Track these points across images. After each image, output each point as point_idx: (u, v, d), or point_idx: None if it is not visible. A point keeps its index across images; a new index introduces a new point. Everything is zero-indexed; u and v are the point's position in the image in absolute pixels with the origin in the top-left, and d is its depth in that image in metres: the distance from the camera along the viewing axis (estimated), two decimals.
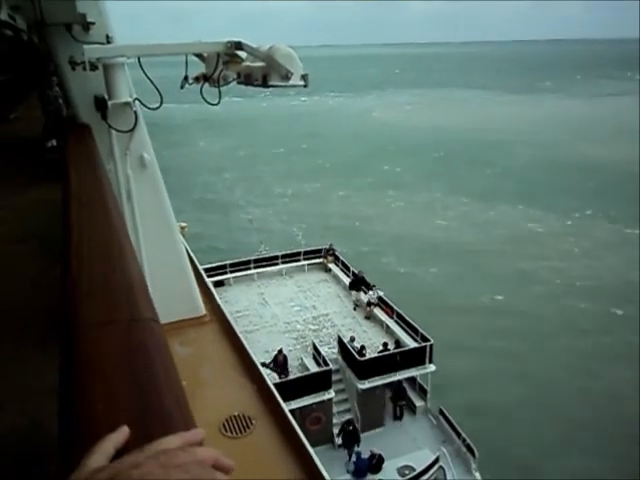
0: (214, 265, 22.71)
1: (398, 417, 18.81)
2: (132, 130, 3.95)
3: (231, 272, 23.72)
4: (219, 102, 4.10)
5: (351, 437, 16.78)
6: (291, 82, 3.59)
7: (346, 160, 59.99)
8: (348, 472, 16.51)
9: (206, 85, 4.09)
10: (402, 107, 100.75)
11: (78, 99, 4.00)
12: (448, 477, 16.28)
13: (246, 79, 3.84)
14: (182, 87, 4.63)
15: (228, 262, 23.88)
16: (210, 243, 34.20)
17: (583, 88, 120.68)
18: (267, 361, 17.30)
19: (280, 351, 18.07)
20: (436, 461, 16.45)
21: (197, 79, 4.46)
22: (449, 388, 20.60)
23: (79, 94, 3.97)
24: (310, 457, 3.24)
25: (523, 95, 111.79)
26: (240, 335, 4.30)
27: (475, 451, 16.93)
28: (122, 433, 0.76)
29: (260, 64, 3.65)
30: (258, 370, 3.95)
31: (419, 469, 16.33)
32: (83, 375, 0.92)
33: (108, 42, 3.80)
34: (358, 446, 16.69)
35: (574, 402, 21.09)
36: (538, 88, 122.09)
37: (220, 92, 4.13)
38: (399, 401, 18.67)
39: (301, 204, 45.90)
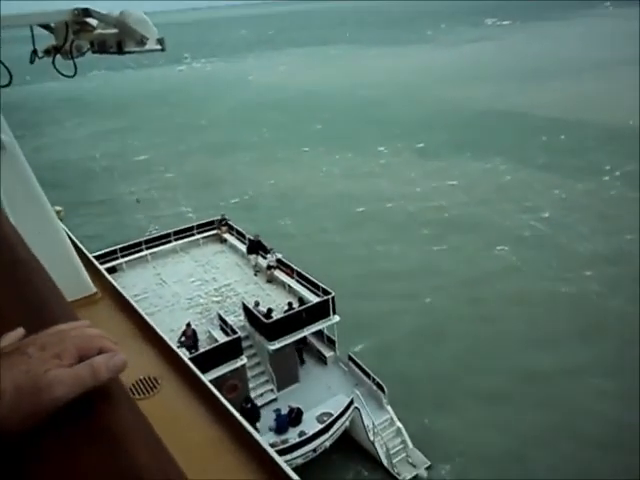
0: (103, 252, 21.67)
1: (302, 361, 19.91)
2: None
3: (122, 257, 22.74)
4: (75, 74, 3.94)
5: (252, 414, 16.92)
6: (147, 47, 3.55)
7: (226, 131, 58.80)
8: (270, 430, 17.06)
9: (62, 58, 3.92)
10: (277, 68, 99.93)
11: None
12: (363, 415, 17.38)
13: (100, 47, 3.73)
14: (32, 62, 4.37)
15: (118, 247, 22.84)
16: (95, 230, 32.36)
17: (445, 37, 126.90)
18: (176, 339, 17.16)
19: (188, 324, 17.94)
20: (351, 403, 17.48)
21: (48, 52, 4.23)
22: (356, 334, 21.73)
23: None
24: (221, 402, 3.44)
25: (391, 47, 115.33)
26: (135, 305, 4.33)
27: (385, 388, 18.20)
28: (19, 332, 0.89)
29: (113, 31, 3.57)
30: (158, 334, 4.03)
31: (336, 413, 17.29)
32: None
33: None
34: (259, 421, 16.93)
35: (467, 329, 23.12)
36: (405, 40, 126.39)
37: (75, 64, 3.97)
38: (298, 345, 19.55)
39: (186, 179, 44.58)
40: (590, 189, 36.15)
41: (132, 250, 23.08)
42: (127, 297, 4.48)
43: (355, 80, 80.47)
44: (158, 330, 3.90)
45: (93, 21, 3.73)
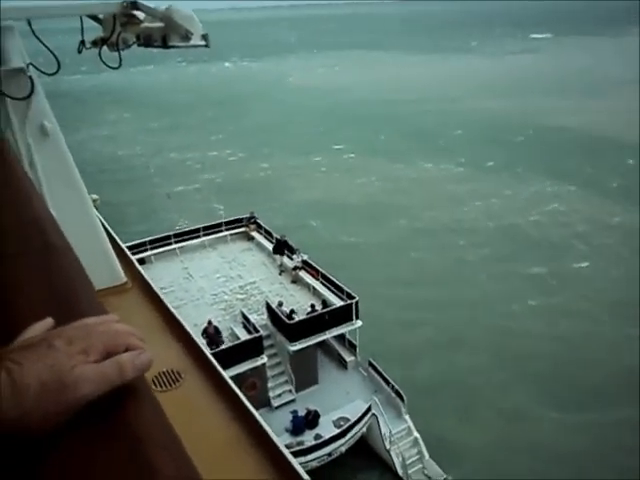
0: (133, 243, 22.02)
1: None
2: (28, 97, 3.80)
3: (151, 249, 23.11)
4: (120, 66, 4.02)
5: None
6: (192, 42, 3.59)
7: (262, 127, 59.24)
8: (287, 431, 17.07)
9: (108, 50, 4.00)
10: (316, 71, 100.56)
11: None
12: (381, 423, 17.23)
13: (146, 40, 3.79)
14: (80, 51, 4.47)
15: (147, 239, 23.22)
16: (128, 221, 32.96)
17: (487, 48, 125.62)
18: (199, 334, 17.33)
19: (209, 322, 18.07)
20: (368, 410, 17.36)
21: (95, 43, 4.32)
22: (378, 341, 21.57)
23: None
24: (240, 401, 3.44)
25: (431, 55, 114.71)
26: (163, 298, 4.37)
27: (404, 396, 18.02)
28: (47, 322, 0.88)
29: (159, 24, 3.62)
30: (184, 329, 4.05)
31: (354, 419, 17.19)
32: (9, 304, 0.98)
33: None
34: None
35: (493, 340, 22.76)
36: (444, 47, 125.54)
37: (120, 55, 4.05)
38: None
39: (220, 175, 45.10)
40: None
41: (161, 243, 23.43)
42: (156, 289, 4.54)
43: (391, 87, 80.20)
44: (185, 324, 3.94)
45: (140, 14, 3.80)
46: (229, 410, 3.26)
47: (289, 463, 3.02)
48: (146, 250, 22.80)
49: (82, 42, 4.40)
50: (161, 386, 3.40)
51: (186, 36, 3.53)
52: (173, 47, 3.61)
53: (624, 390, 19.74)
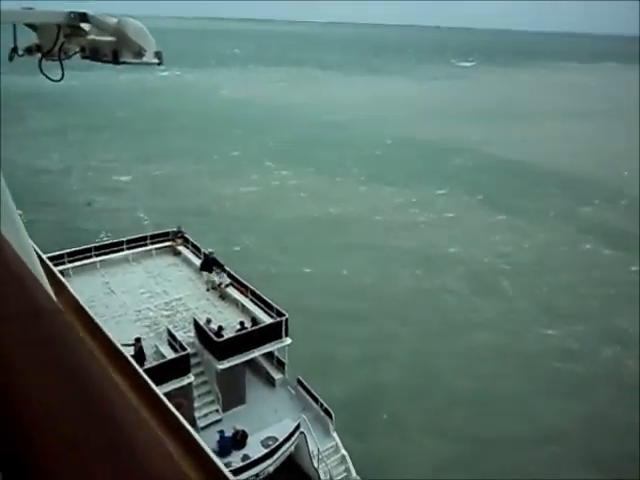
0: (50, 255, 20.68)
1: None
2: None
3: (70, 262, 21.83)
4: (62, 78, 3.74)
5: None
6: (145, 59, 3.41)
7: (187, 144, 58.04)
8: (213, 452, 16.50)
9: (45, 60, 3.69)
10: (251, 85, 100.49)
11: None
12: (309, 440, 17.12)
13: (92, 54, 3.55)
14: (10, 59, 4.12)
15: (66, 251, 21.91)
16: (44, 232, 30.96)
17: (416, 71, 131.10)
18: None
19: (138, 339, 17.26)
20: (297, 428, 17.20)
21: (29, 51, 3.99)
22: (306, 359, 21.51)
23: None
24: (190, 435, 3.26)
25: (363, 76, 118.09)
26: (100, 324, 4.08)
27: (332, 414, 18.04)
28: None
29: (109, 39, 3.41)
30: (122, 355, 3.80)
31: (282, 438, 16.96)
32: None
33: None
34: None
35: (418, 355, 23.41)
36: (376, 70, 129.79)
37: (62, 67, 3.78)
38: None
39: (144, 187, 43.57)
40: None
41: (80, 256, 22.19)
42: (92, 315, 4.22)
43: (320, 102, 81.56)
44: (126, 353, 3.68)
45: (86, 26, 3.56)
46: (180, 450, 3.08)
47: None
48: (64, 263, 21.48)
49: (14, 49, 4.05)
50: None
51: (139, 53, 3.35)
52: (124, 63, 3.42)
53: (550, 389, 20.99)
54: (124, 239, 23.70)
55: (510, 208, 40.73)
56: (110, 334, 4.02)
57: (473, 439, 19.05)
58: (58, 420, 0.76)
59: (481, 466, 17.93)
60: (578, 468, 17.75)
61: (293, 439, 17.14)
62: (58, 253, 21.52)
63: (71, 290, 4.72)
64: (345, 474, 17.60)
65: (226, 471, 2.98)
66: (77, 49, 3.72)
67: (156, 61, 3.51)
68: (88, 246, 22.88)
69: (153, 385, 3.70)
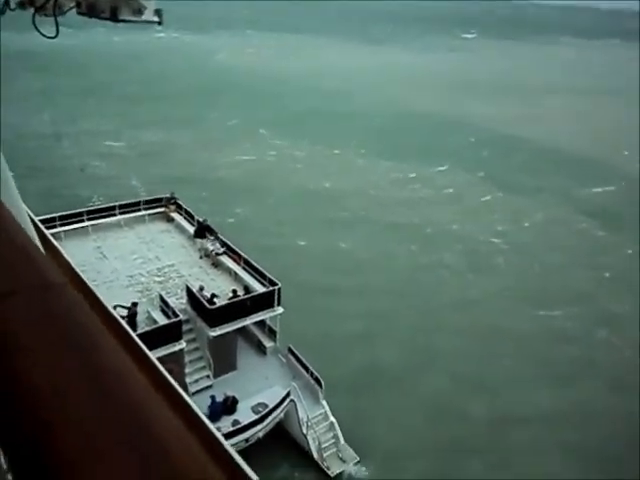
0: (42, 218, 20.46)
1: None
2: None
3: (61, 225, 21.61)
4: (57, 35, 3.57)
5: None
6: (144, 17, 3.26)
7: (180, 111, 57.03)
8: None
9: (38, 15, 3.50)
10: (249, 50, 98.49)
11: None
12: (299, 408, 17.39)
13: (89, 10, 3.38)
14: (2, 13, 3.94)
15: (57, 214, 21.66)
16: (37, 197, 30.58)
17: (418, 42, 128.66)
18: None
19: (135, 304, 17.27)
20: (287, 396, 17.45)
21: (22, 4, 3.82)
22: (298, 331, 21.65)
23: None
24: (184, 400, 3.24)
25: (364, 46, 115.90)
26: (99, 295, 4.01)
27: (322, 382, 18.27)
28: None
29: None
30: (121, 325, 3.76)
31: (272, 405, 17.22)
32: (7, 356, 0.80)
33: None
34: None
35: (412, 329, 23.65)
36: (380, 39, 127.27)
37: (57, 23, 3.59)
38: None
39: (136, 154, 42.99)
40: None
41: (72, 220, 21.97)
42: (92, 287, 4.16)
43: (319, 72, 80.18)
44: (128, 329, 3.64)
45: None
46: (173, 412, 3.06)
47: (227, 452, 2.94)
48: (55, 226, 21.27)
49: (6, 2, 3.88)
50: None
51: (138, 10, 3.20)
52: (123, 21, 3.26)
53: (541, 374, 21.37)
54: (117, 204, 23.47)
55: (510, 185, 40.27)
56: (103, 299, 3.97)
57: (464, 415, 19.37)
58: (68, 400, 0.71)
59: (470, 441, 18.30)
60: (572, 453, 17.95)
61: (283, 406, 17.40)
62: (50, 216, 21.26)
63: (65, 254, 4.65)
64: (333, 440, 17.96)
65: (217, 433, 2.99)
66: (72, 4, 3.55)
67: (156, 19, 3.35)
68: (80, 210, 22.65)
69: (146, 349, 3.68)
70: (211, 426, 3.05)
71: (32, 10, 3.56)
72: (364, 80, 77.29)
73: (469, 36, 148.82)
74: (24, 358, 0.80)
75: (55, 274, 1.03)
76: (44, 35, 3.58)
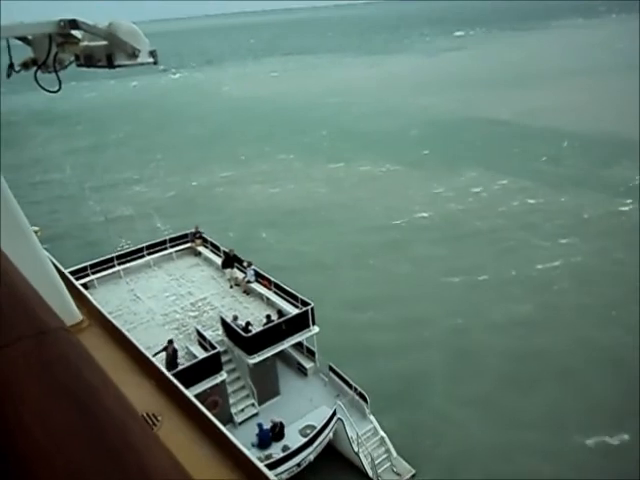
0: (73, 269, 20.99)
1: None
2: None
3: (93, 273, 22.12)
4: (60, 89, 3.69)
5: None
6: (139, 60, 3.34)
7: (189, 142, 58.12)
8: (253, 446, 16.71)
9: (41, 72, 3.65)
10: (253, 79, 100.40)
11: None
12: (347, 426, 17.19)
13: (87, 61, 3.49)
14: (9, 76, 4.10)
15: (88, 263, 22.19)
16: (64, 247, 31.41)
17: (417, 45, 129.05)
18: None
19: (170, 341, 17.45)
20: (334, 414, 17.27)
21: (25, 65, 3.96)
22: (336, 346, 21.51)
23: None
24: (226, 437, 3.22)
25: (367, 56, 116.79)
26: (126, 333, 4.07)
27: (367, 398, 18.06)
28: None
29: (102, 43, 3.34)
30: (153, 364, 3.78)
31: (320, 426, 17.05)
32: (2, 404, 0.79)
33: None
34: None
35: (451, 338, 23.20)
36: (378, 49, 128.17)
37: (59, 78, 3.72)
38: None
39: (158, 189, 43.90)
40: None
41: (104, 266, 22.46)
42: (117, 325, 4.22)
43: (329, 90, 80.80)
44: (154, 361, 3.67)
45: (78, 33, 3.50)
46: (216, 452, 3.04)
47: None
48: (87, 275, 21.78)
49: (11, 65, 4.03)
50: None
51: (133, 54, 3.28)
52: (120, 67, 3.35)
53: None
54: (144, 245, 23.92)
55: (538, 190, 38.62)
56: (135, 340, 4.02)
57: (517, 417, 18.81)
58: (62, 450, 0.70)
59: (527, 444, 17.71)
60: None
61: (331, 425, 17.21)
62: (81, 266, 21.82)
63: (93, 301, 4.74)
64: (386, 455, 17.65)
65: (262, 466, 2.95)
66: (71, 58, 3.67)
67: (151, 60, 3.44)
68: (110, 256, 23.14)
69: (182, 387, 3.69)
70: (248, 453, 3.01)
71: (34, 69, 3.70)
72: (367, 91, 77.55)
73: (462, 33, 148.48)
74: (15, 407, 0.79)
75: (53, 320, 1.03)
76: (48, 90, 3.71)
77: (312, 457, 16.83)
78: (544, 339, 22.45)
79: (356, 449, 17.21)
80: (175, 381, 3.60)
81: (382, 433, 17.87)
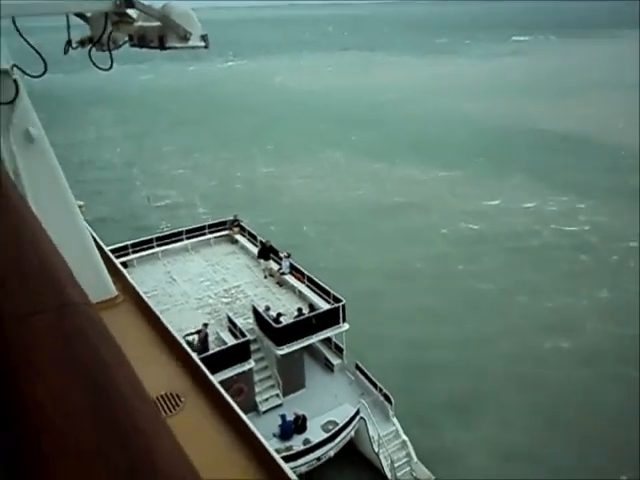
0: (115, 247, 21.54)
1: None
2: (13, 101, 3.52)
3: (133, 252, 22.70)
4: (111, 67, 3.76)
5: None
6: (190, 43, 3.36)
7: (240, 131, 58.67)
8: (275, 436, 16.83)
9: (96, 50, 3.75)
10: (306, 71, 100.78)
11: None
12: (369, 426, 17.10)
13: (140, 41, 3.55)
14: (66, 52, 4.21)
15: (129, 242, 22.77)
16: (108, 224, 32.34)
17: (474, 49, 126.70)
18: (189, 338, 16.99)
19: (205, 325, 17.73)
20: (357, 413, 17.21)
21: (82, 43, 4.06)
22: (363, 343, 21.40)
23: None
24: (246, 426, 3.22)
25: (421, 57, 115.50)
26: (157, 312, 4.12)
27: (392, 399, 17.92)
28: None
29: (155, 24, 3.38)
30: (181, 346, 3.82)
31: (342, 423, 17.03)
32: (18, 376, 0.79)
33: None
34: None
35: (482, 343, 22.76)
36: (432, 49, 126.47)
37: (112, 56, 3.80)
38: None
39: (203, 177, 44.65)
40: None
41: (143, 246, 23.01)
42: (149, 302, 4.29)
43: (383, 88, 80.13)
44: (182, 342, 3.71)
45: (133, 13, 3.56)
46: (235, 438, 3.05)
47: None
48: (128, 254, 22.36)
49: (69, 42, 4.14)
50: (162, 411, 3.17)
51: (185, 36, 3.31)
52: (170, 48, 3.39)
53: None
54: (183, 229, 24.37)
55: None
56: (165, 320, 4.08)
57: (541, 428, 18.36)
58: (71, 427, 0.68)
59: (549, 459, 17.24)
60: None
61: (353, 424, 17.17)
62: (122, 244, 22.41)
63: (129, 279, 4.84)
64: (406, 459, 17.49)
65: (276, 456, 2.93)
66: (125, 38, 3.75)
67: (202, 44, 3.46)
68: (150, 237, 23.69)
69: (207, 371, 3.72)
70: (263, 440, 3.00)
71: (89, 47, 3.78)
72: (424, 91, 76.47)
73: (521, 38, 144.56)
74: (29, 376, 0.78)
75: (77, 294, 1.02)
76: (100, 68, 3.79)
77: (332, 453, 16.84)
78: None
79: (376, 450, 17.11)
80: (201, 364, 3.63)
81: (404, 436, 17.70)
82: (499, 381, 20.66)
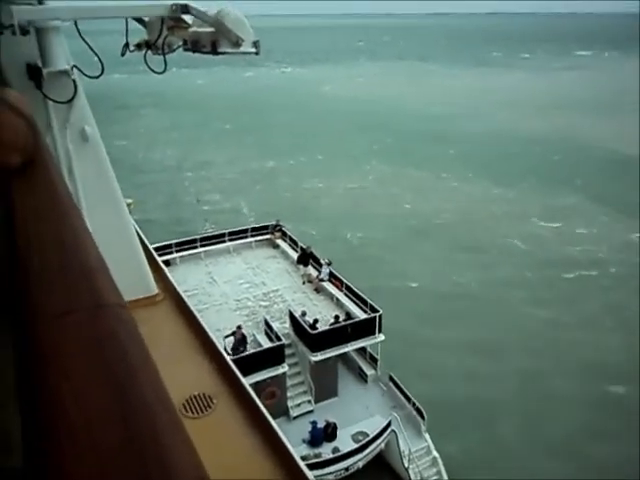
0: (159, 245, 22.09)
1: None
2: (71, 101, 3.66)
3: (177, 251, 23.21)
4: (165, 70, 3.87)
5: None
6: (242, 49, 3.42)
7: (291, 141, 59.02)
8: (304, 442, 16.79)
9: (151, 53, 3.88)
10: (354, 80, 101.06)
11: (8, 67, 3.64)
12: (400, 440, 16.84)
13: (193, 46, 3.63)
14: (123, 54, 4.36)
15: (174, 241, 23.32)
16: (155, 223, 33.21)
17: (534, 62, 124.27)
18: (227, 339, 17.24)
19: (239, 327, 17.94)
20: (388, 426, 16.98)
21: (139, 46, 4.21)
22: (399, 356, 21.13)
23: (9, 61, 3.61)
24: (274, 432, 3.20)
25: (475, 69, 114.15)
26: (195, 312, 4.18)
27: (424, 414, 17.59)
28: None
29: (208, 30, 3.46)
30: (216, 347, 3.85)
31: (373, 434, 16.84)
32: (46, 375, 0.80)
33: (40, 3, 3.45)
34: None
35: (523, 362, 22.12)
36: (491, 62, 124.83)
37: (165, 60, 3.91)
38: None
39: (250, 182, 45.28)
40: None
41: (187, 246, 23.50)
42: (188, 302, 4.36)
43: (435, 99, 79.38)
44: (218, 344, 3.75)
45: (188, 18, 3.66)
46: (263, 444, 3.04)
47: None
48: (172, 252, 22.88)
49: (126, 45, 4.28)
50: (192, 412, 3.20)
51: (237, 42, 3.36)
52: (222, 54, 3.45)
53: None
54: (226, 231, 24.77)
55: None
56: (203, 321, 4.13)
57: (572, 451, 17.67)
58: (91, 429, 0.69)
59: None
60: None
61: (384, 436, 16.95)
62: (167, 243, 22.96)
63: (170, 277, 4.93)
64: (437, 477, 17.12)
65: (302, 465, 2.91)
66: (180, 42, 3.85)
67: (253, 50, 3.51)
68: (194, 237, 24.18)
69: (240, 375, 3.74)
70: (290, 447, 2.98)
71: (145, 50, 3.90)
72: (474, 104, 75.21)
73: (584, 53, 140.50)
74: (57, 378, 0.79)
75: (113, 295, 1.03)
76: (154, 71, 3.91)
77: (361, 464, 16.66)
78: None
79: (406, 465, 16.82)
80: (234, 367, 3.65)
81: (435, 453, 17.34)
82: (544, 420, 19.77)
